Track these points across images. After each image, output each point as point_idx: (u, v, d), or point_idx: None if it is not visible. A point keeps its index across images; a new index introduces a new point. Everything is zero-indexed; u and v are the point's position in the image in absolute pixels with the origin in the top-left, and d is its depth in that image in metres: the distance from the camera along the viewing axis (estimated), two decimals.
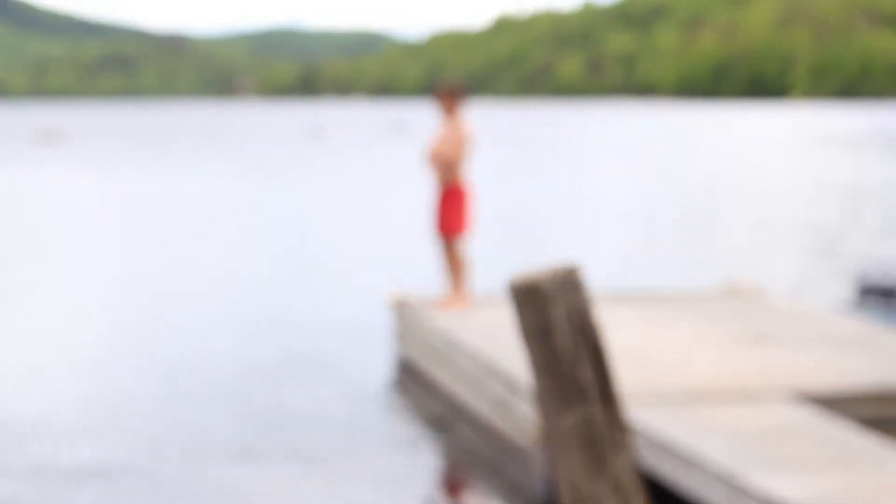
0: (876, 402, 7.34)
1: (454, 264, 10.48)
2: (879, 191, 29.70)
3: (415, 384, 9.94)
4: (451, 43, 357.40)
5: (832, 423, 6.66)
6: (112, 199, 28.77)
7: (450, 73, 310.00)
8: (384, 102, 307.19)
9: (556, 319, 1.71)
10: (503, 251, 18.30)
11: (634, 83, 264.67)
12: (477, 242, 18.51)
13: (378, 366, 10.61)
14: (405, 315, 10.58)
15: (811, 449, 6.09)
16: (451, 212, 10.45)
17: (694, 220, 22.82)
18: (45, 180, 35.67)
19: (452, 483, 7.45)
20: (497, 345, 8.75)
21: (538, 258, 17.27)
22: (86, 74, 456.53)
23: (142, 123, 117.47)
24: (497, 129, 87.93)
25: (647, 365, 8.06)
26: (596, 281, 13.11)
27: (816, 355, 8.39)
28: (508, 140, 67.75)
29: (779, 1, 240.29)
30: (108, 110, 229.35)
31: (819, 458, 5.95)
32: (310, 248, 18.97)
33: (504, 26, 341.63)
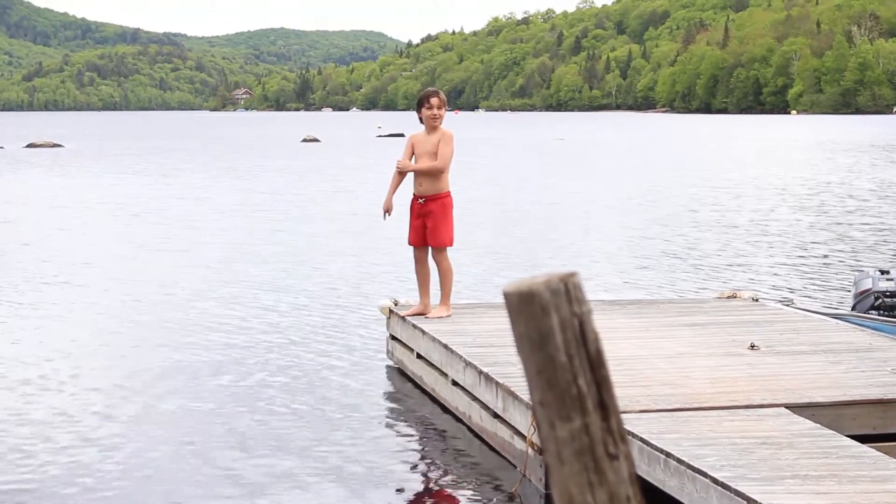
0: (873, 411, 7.30)
1: (443, 273, 10.41)
2: (879, 197, 29.73)
3: (408, 392, 9.90)
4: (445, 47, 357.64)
5: (829, 433, 6.63)
6: (107, 205, 28.75)
7: (444, 79, 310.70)
8: (379, 110, 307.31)
9: (553, 328, 1.66)
10: (499, 258, 18.28)
11: (632, 92, 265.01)
12: (472, 250, 18.55)
13: (372, 373, 10.57)
14: (397, 323, 10.55)
15: (808, 459, 6.05)
16: (441, 222, 10.34)
17: (692, 228, 22.82)
18: (46, 187, 35.66)
19: (446, 492, 7.41)
20: (491, 353, 8.72)
21: (533, 266, 17.26)
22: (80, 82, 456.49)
23: (137, 132, 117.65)
24: (494, 136, 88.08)
25: (644, 374, 8.03)
26: (593, 289, 12.99)
27: (814, 364, 8.36)
28: (505, 146, 67.90)
29: (776, 10, 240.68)
30: (103, 119, 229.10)
31: (816, 468, 5.91)
32: (309, 252, 18.96)
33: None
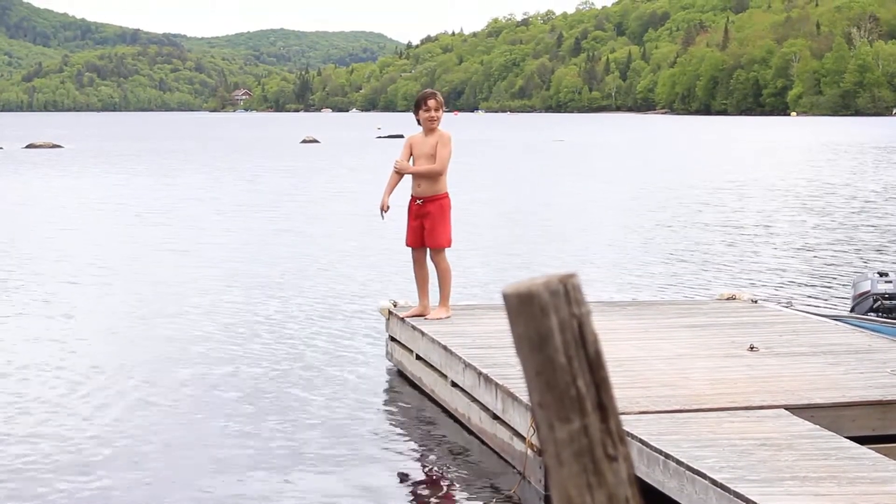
0: (872, 413, 7.30)
1: (442, 274, 10.40)
2: (884, 199, 29.73)
3: (407, 393, 9.90)
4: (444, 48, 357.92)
5: (828, 434, 6.63)
6: (109, 205, 28.76)
7: (444, 81, 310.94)
8: (378, 111, 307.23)
9: (552, 329, 1.66)
10: (498, 260, 18.28)
11: (631, 94, 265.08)
12: (471, 251, 18.55)
13: (371, 374, 10.57)
14: (397, 324, 10.55)
15: (807, 460, 6.06)
16: (439, 223, 10.34)
17: (692, 229, 22.82)
18: (47, 188, 35.66)
19: (445, 494, 7.40)
20: (491, 354, 8.72)
21: (532, 267, 17.26)
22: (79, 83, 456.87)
23: (137, 133, 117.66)
24: (493, 137, 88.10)
25: (644, 375, 8.02)
26: (593, 290, 12.98)
27: (813, 366, 8.36)
28: (504, 147, 67.91)
29: (776, 12, 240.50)
30: (102, 119, 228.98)
31: (815, 469, 5.91)
32: (308, 252, 18.95)
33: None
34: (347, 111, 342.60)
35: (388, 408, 9.53)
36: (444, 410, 9.19)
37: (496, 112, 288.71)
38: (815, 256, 18.87)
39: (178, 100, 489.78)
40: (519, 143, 79.81)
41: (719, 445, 6.32)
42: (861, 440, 6.71)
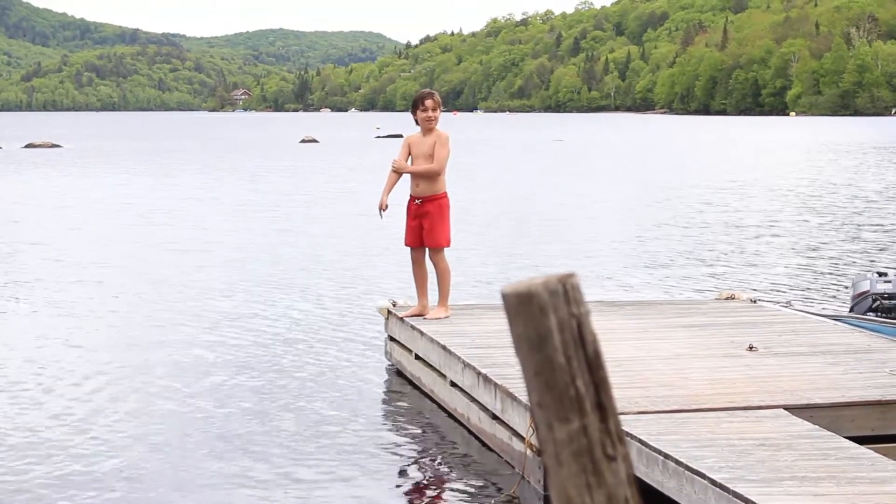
0: (871, 413, 7.30)
1: (441, 274, 10.40)
2: (880, 199, 29.73)
3: (406, 393, 9.90)
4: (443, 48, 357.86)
5: (827, 434, 6.63)
6: (110, 205, 28.75)
7: (442, 80, 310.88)
8: (377, 111, 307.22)
9: (551, 329, 1.65)
10: (497, 259, 18.27)
11: (630, 93, 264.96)
12: (470, 251, 18.55)
13: (371, 374, 10.57)
14: (396, 324, 10.55)
15: (806, 461, 6.05)
16: (438, 223, 10.34)
17: (691, 229, 22.82)
18: (48, 187, 35.65)
19: (444, 494, 7.40)
20: (490, 354, 8.72)
21: (531, 267, 17.26)
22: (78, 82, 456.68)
23: (136, 132, 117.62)
24: (492, 137, 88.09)
25: (643, 375, 8.02)
26: (592, 290, 12.97)
27: (812, 366, 8.36)
28: (504, 147, 67.90)
29: (775, 12, 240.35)
30: (102, 119, 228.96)
31: (814, 469, 5.91)
32: (308, 252, 18.95)
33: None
34: (346, 111, 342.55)
35: (386, 408, 9.53)
36: (444, 410, 9.19)
37: (495, 112, 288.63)
38: (814, 256, 18.87)
39: (178, 99, 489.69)
40: (518, 142, 79.79)
41: (718, 445, 6.32)
42: (860, 440, 6.71)
